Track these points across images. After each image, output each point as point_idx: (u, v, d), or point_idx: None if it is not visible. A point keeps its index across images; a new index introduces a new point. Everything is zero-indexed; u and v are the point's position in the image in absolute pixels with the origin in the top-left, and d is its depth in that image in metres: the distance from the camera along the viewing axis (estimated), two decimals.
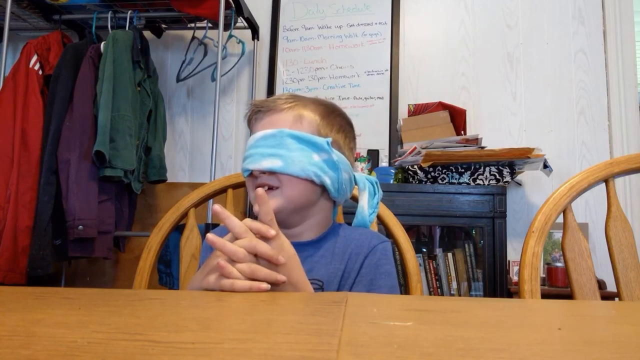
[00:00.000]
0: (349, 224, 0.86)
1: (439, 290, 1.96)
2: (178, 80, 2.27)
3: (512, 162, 1.87)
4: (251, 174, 0.76)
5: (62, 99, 1.83)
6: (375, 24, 2.35)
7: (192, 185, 2.26)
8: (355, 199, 0.90)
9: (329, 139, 0.77)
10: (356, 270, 0.75)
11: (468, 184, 1.85)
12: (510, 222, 2.10)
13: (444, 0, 2.36)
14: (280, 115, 0.78)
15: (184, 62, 2.25)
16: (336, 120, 0.82)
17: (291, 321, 0.39)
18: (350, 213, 0.96)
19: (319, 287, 0.74)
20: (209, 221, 1.77)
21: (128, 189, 1.96)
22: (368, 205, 0.85)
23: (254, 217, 0.66)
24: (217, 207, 0.62)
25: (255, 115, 0.80)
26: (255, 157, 0.75)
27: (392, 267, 0.78)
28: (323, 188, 0.78)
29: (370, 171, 2.04)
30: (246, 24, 2.23)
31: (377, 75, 2.31)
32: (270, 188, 0.75)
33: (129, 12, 2.02)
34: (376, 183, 0.87)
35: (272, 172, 0.74)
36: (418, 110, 2.17)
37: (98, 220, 1.78)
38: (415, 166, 1.87)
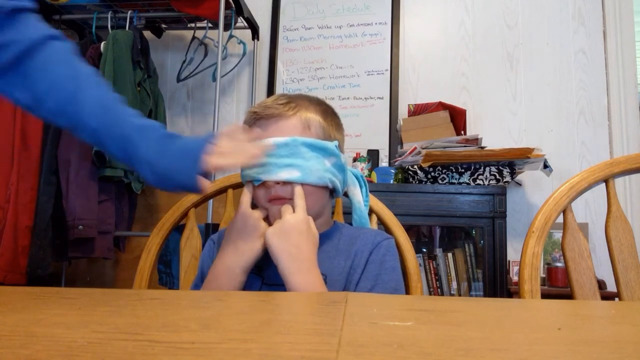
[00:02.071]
0: (348, 223, 0.87)
1: (439, 290, 1.96)
2: (178, 80, 2.27)
3: (512, 162, 1.87)
4: (262, 184, 0.75)
5: None
6: (375, 24, 2.35)
7: None
8: (345, 195, 0.90)
9: (336, 142, 0.78)
10: (362, 266, 0.76)
11: (468, 184, 1.85)
12: (510, 222, 2.10)
13: (444, 0, 2.36)
14: (289, 121, 0.76)
15: (184, 62, 2.25)
16: (333, 119, 0.83)
17: (291, 321, 0.39)
18: (349, 213, 0.96)
19: (323, 280, 0.74)
20: (209, 221, 1.77)
21: (128, 189, 1.96)
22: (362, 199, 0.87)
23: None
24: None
25: (256, 122, 0.78)
26: (268, 167, 0.73)
27: (397, 263, 0.79)
28: (331, 189, 0.79)
29: (370, 171, 2.04)
30: (246, 24, 2.23)
31: (377, 75, 2.30)
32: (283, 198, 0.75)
33: (129, 12, 2.02)
34: (361, 176, 0.87)
35: (287, 182, 0.74)
36: (418, 110, 2.17)
37: (98, 220, 1.77)
38: (415, 166, 1.87)
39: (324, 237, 0.80)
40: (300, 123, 0.76)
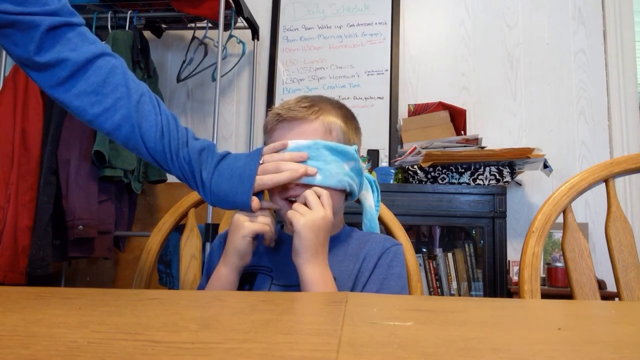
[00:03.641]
0: (352, 224, 0.87)
1: (439, 290, 1.96)
2: (178, 80, 2.26)
3: (512, 162, 1.87)
4: (283, 185, 0.75)
5: None
6: (375, 24, 2.35)
7: None
8: (357, 200, 0.90)
9: (355, 147, 0.79)
10: (370, 270, 0.77)
11: (468, 184, 1.85)
12: (510, 222, 2.10)
13: (444, 0, 2.36)
14: (312, 125, 0.77)
15: (184, 62, 2.25)
16: (353, 123, 0.84)
17: (291, 321, 0.39)
18: (350, 213, 0.96)
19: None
20: (209, 221, 1.76)
21: (128, 189, 1.96)
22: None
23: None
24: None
25: (279, 124, 0.79)
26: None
27: (404, 269, 0.80)
28: (347, 193, 0.80)
29: (370, 171, 2.03)
30: (246, 24, 2.23)
31: (377, 75, 2.30)
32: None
33: (129, 12, 2.02)
34: (374, 181, 0.88)
35: (306, 184, 0.74)
36: (418, 110, 2.17)
37: (98, 220, 1.77)
38: (415, 166, 1.87)
39: (335, 240, 0.81)
40: (323, 127, 0.78)
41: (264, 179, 0.72)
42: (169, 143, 0.74)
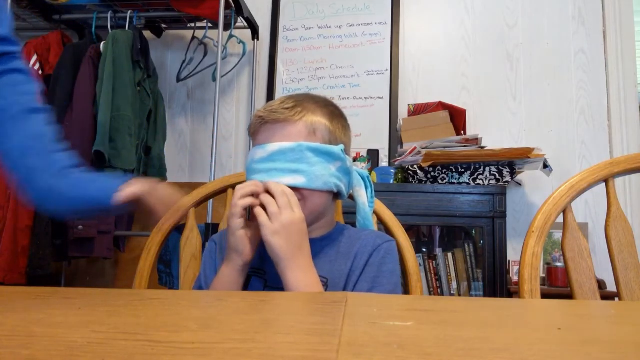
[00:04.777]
0: (349, 224, 0.87)
1: (439, 290, 1.96)
2: (178, 80, 2.27)
3: (512, 162, 1.87)
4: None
5: (61, 99, 1.83)
6: (375, 24, 2.35)
7: (192, 185, 2.25)
8: (350, 197, 0.90)
9: (342, 146, 0.78)
10: (361, 268, 0.76)
11: (468, 184, 1.85)
12: (510, 222, 2.10)
13: (444, 0, 2.36)
14: (295, 126, 0.76)
15: (184, 62, 2.25)
16: (340, 121, 0.82)
17: (291, 321, 0.39)
18: (349, 213, 0.96)
19: (324, 284, 0.74)
20: (209, 221, 1.77)
21: None
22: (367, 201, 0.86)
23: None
24: None
25: (262, 126, 0.77)
26: (273, 172, 0.73)
27: (396, 266, 0.79)
28: (335, 193, 0.79)
29: (370, 171, 2.03)
30: (246, 24, 2.23)
31: (377, 75, 2.30)
32: None
33: (129, 12, 2.02)
34: (367, 177, 0.87)
35: (292, 187, 0.73)
36: (418, 110, 2.17)
37: (98, 220, 1.78)
38: (415, 166, 1.87)
39: (326, 240, 0.80)
40: (306, 128, 0.76)
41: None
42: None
